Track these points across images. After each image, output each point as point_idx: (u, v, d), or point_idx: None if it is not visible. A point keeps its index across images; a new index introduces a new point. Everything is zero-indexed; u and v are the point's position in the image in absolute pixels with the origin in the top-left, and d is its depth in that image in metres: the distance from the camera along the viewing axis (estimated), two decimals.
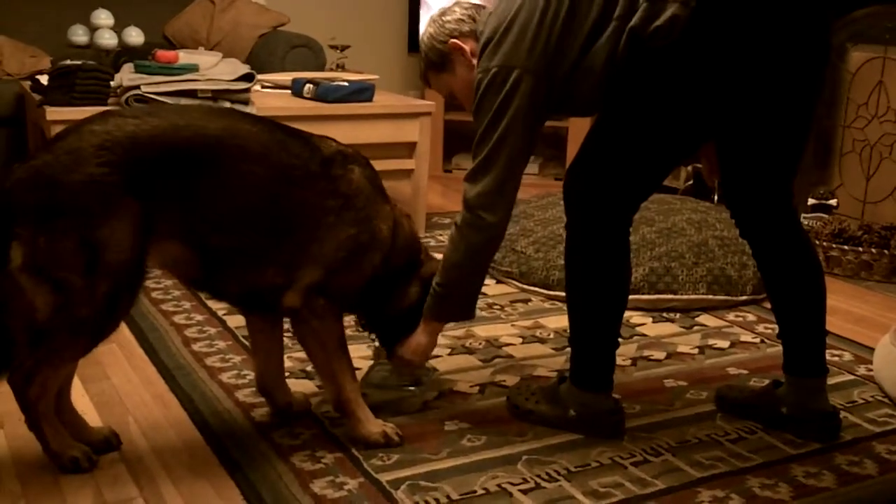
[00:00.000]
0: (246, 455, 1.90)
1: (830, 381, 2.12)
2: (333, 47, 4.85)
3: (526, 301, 2.97)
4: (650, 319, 2.81)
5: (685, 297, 2.88)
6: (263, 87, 3.83)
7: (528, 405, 2.09)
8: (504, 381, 2.32)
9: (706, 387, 2.30)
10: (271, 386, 2.07)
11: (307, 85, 3.60)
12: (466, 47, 2.01)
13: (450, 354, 2.48)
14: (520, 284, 3.08)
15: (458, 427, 2.06)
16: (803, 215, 3.63)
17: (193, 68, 3.26)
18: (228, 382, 2.25)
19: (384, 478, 1.82)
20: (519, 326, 2.73)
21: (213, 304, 2.76)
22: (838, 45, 3.80)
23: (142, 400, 2.16)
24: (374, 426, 1.95)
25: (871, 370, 2.43)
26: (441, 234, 3.75)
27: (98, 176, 1.65)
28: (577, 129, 4.65)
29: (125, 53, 3.79)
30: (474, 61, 1.99)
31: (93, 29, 4.23)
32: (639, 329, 2.72)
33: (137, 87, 3.10)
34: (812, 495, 1.82)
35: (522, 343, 2.60)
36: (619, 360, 2.04)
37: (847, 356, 2.55)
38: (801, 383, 2.06)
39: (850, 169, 3.88)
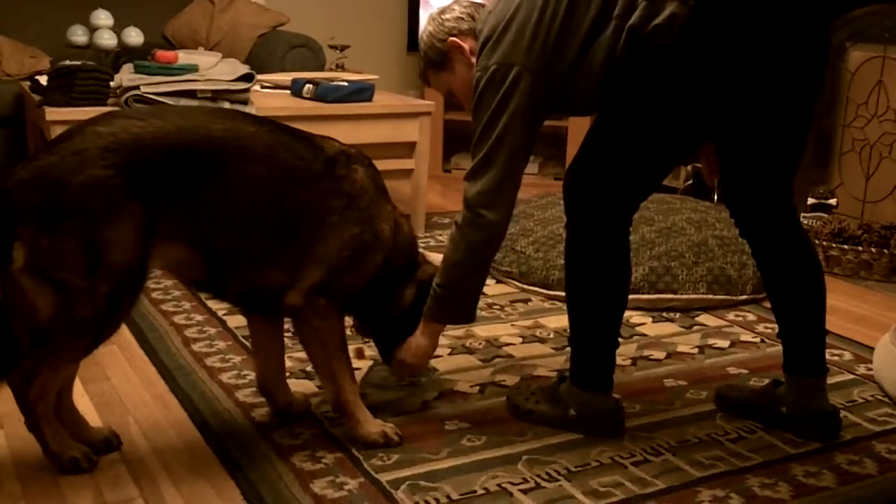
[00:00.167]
0: (246, 455, 1.90)
1: (830, 380, 2.12)
2: (333, 47, 4.85)
3: (526, 301, 2.97)
4: (650, 319, 2.81)
5: (685, 296, 2.88)
6: (263, 87, 3.83)
7: (528, 405, 2.09)
8: (504, 380, 2.32)
9: (706, 386, 2.31)
10: (272, 386, 2.07)
11: (307, 85, 3.60)
12: (465, 46, 2.01)
13: (450, 354, 2.48)
14: (520, 284, 3.08)
15: (458, 427, 2.06)
16: (803, 215, 3.63)
17: (193, 68, 3.26)
18: (228, 383, 2.25)
19: (384, 478, 1.82)
20: (519, 326, 2.73)
21: (213, 305, 2.76)
22: (838, 44, 3.80)
23: (142, 400, 2.16)
24: (374, 426, 1.95)
25: (870, 369, 2.43)
26: (441, 234, 3.75)
27: (103, 178, 1.65)
28: (577, 128, 4.65)
29: (125, 54, 3.79)
30: (473, 60, 1.99)
31: (92, 29, 4.23)
32: (639, 329, 2.72)
33: (137, 87, 3.10)
34: (812, 494, 1.82)
35: (522, 343, 2.60)
36: (618, 360, 2.04)
37: (847, 355, 2.56)
38: (800, 382, 2.06)
39: (850, 168, 3.89)
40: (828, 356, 2.07)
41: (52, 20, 4.35)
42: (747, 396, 2.16)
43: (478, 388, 2.27)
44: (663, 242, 3.01)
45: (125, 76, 3.18)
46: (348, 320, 2.02)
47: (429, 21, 2.07)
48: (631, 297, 2.06)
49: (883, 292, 3.20)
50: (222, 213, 1.76)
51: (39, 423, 1.76)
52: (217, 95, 3.20)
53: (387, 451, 1.92)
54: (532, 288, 3.03)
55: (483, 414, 2.13)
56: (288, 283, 1.86)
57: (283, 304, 1.89)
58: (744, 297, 2.95)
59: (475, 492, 1.79)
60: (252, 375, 2.20)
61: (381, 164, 2.07)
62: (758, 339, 2.67)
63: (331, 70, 4.70)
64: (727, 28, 1.75)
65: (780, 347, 2.09)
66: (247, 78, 3.29)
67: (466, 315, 2.03)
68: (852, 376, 2.41)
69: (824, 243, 3.38)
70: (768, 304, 2.16)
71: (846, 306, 3.01)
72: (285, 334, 2.08)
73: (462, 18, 2.02)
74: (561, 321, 2.73)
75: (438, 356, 2.41)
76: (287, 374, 2.13)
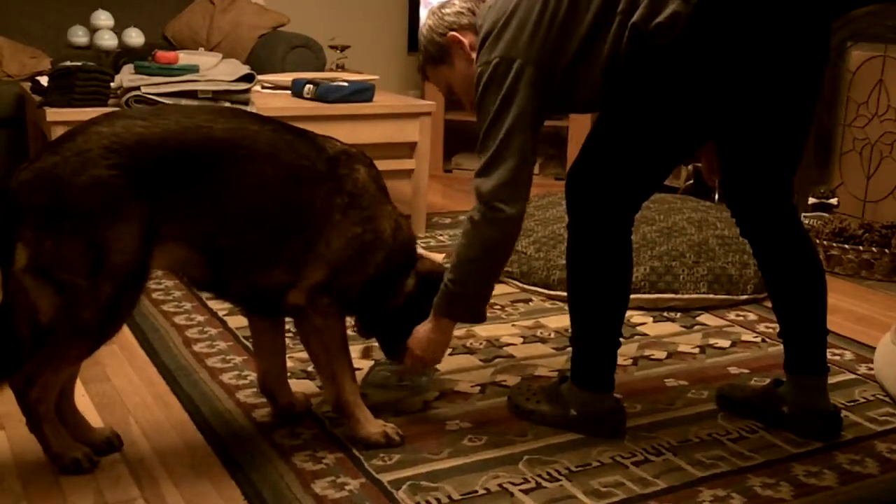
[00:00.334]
0: (247, 455, 1.90)
1: (831, 380, 2.12)
2: (333, 47, 4.85)
3: (527, 301, 2.97)
4: (651, 319, 2.81)
5: (686, 296, 2.88)
6: (263, 87, 3.83)
7: (529, 405, 2.09)
8: (505, 380, 2.32)
9: (707, 386, 2.30)
10: (273, 386, 2.07)
11: (307, 85, 3.60)
12: (465, 40, 2.00)
13: (450, 354, 2.47)
14: (520, 284, 3.08)
15: (459, 427, 2.06)
16: (804, 214, 3.63)
17: (193, 69, 3.26)
18: (229, 383, 2.25)
19: (385, 478, 1.82)
20: (520, 326, 2.73)
21: (214, 305, 2.76)
22: (838, 43, 3.80)
23: (143, 401, 2.16)
24: (374, 426, 1.95)
25: (871, 369, 2.43)
26: (441, 235, 3.75)
27: (106, 178, 1.65)
28: (577, 128, 4.65)
29: (125, 54, 3.79)
30: (473, 55, 1.99)
31: (93, 30, 4.23)
32: (640, 328, 2.72)
33: (137, 88, 3.10)
34: (813, 494, 1.82)
35: (523, 343, 2.60)
36: (619, 360, 2.04)
37: (848, 355, 2.55)
38: (802, 382, 2.06)
39: (851, 168, 3.89)
40: (829, 356, 2.07)
41: (53, 21, 4.35)
42: (748, 396, 2.16)
43: (479, 388, 2.27)
44: (664, 242, 3.01)
45: (126, 77, 3.18)
46: (349, 321, 2.02)
47: (429, 15, 2.07)
48: (632, 296, 2.05)
49: (884, 292, 3.20)
50: (225, 213, 1.76)
51: (41, 424, 1.76)
52: (218, 96, 3.20)
53: (388, 452, 1.92)
54: (533, 288, 3.03)
55: (484, 414, 2.13)
56: (290, 283, 1.86)
57: (285, 303, 1.89)
58: (745, 296, 2.95)
59: (476, 492, 1.79)
60: (253, 376, 2.20)
61: (381, 165, 2.07)
62: (759, 339, 2.66)
63: (331, 70, 4.70)
64: (729, 27, 1.75)
65: (781, 347, 2.09)
66: (247, 78, 3.29)
67: (476, 314, 2.01)
68: (853, 376, 2.41)
69: (825, 243, 3.38)
70: (769, 304, 2.16)
71: (847, 306, 3.01)
72: (286, 335, 2.08)
73: (462, 13, 2.02)
74: (562, 321, 2.73)
75: None
76: (288, 374, 2.13)
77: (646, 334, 2.68)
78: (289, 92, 3.72)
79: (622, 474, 1.87)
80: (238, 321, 2.53)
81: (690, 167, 4.13)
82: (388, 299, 2.02)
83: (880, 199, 3.77)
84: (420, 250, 2.13)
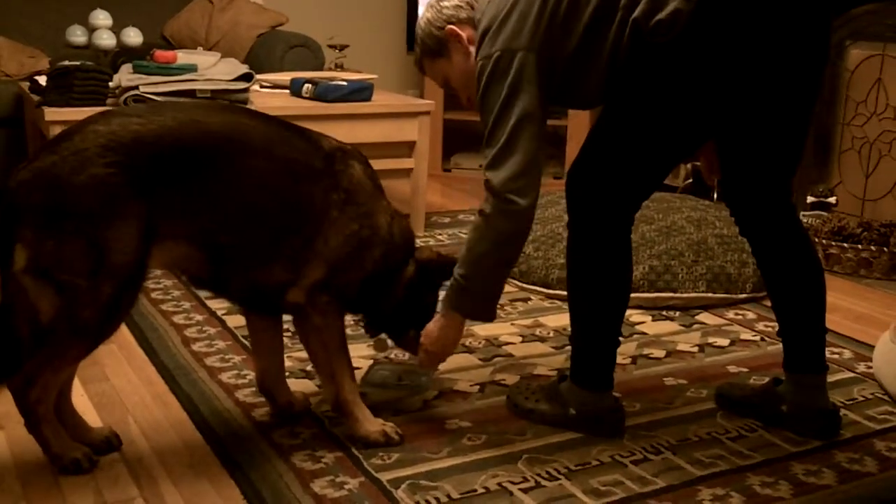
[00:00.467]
0: (246, 455, 1.90)
1: (830, 378, 2.12)
2: (332, 47, 4.85)
3: (526, 300, 2.97)
4: (650, 318, 2.81)
5: (685, 295, 2.88)
6: (262, 86, 3.83)
7: (528, 404, 2.09)
8: (504, 379, 2.32)
9: (706, 385, 2.31)
10: (272, 385, 2.07)
11: (306, 84, 3.60)
12: (464, 34, 2.00)
13: None
14: (519, 283, 3.07)
15: (458, 426, 2.06)
16: (803, 213, 3.63)
17: (192, 68, 3.25)
18: (228, 382, 2.25)
19: (384, 477, 1.82)
20: (519, 325, 2.73)
21: (213, 304, 2.76)
22: (837, 42, 3.80)
23: (142, 400, 2.16)
24: (373, 425, 1.95)
25: (870, 367, 2.43)
26: (440, 234, 3.75)
27: (104, 177, 1.65)
28: (576, 127, 4.65)
29: (124, 54, 3.78)
30: (471, 49, 1.99)
31: (91, 29, 4.23)
32: (639, 327, 2.72)
33: (136, 87, 3.10)
34: (812, 493, 1.82)
35: (522, 342, 2.60)
36: (618, 359, 2.04)
37: (847, 354, 2.56)
38: (801, 381, 2.06)
39: (850, 166, 3.89)
40: (828, 354, 2.07)
41: (51, 20, 4.34)
42: (747, 395, 2.16)
43: (478, 387, 2.27)
44: (663, 241, 3.01)
45: (124, 76, 3.18)
46: (350, 319, 2.02)
47: (427, 8, 2.06)
48: (631, 295, 2.05)
49: (883, 290, 3.20)
50: (223, 209, 1.76)
51: (40, 424, 1.76)
52: (216, 95, 3.20)
53: (387, 451, 1.92)
54: (532, 287, 3.03)
55: (483, 413, 2.13)
56: (289, 281, 1.86)
57: (284, 301, 1.89)
58: (744, 295, 2.95)
59: (475, 491, 1.78)
60: (252, 375, 2.20)
61: (380, 164, 2.07)
62: (758, 338, 2.67)
63: (330, 69, 4.70)
64: (731, 26, 1.75)
65: (780, 346, 2.09)
66: (246, 77, 3.29)
67: (487, 310, 1.99)
68: (852, 374, 2.41)
69: (824, 241, 3.38)
70: (768, 303, 2.17)
71: (846, 304, 3.01)
72: (285, 334, 2.08)
73: (461, 7, 2.02)
74: (561, 320, 2.73)
75: None
76: (287, 373, 2.13)
77: (645, 333, 2.68)
78: (287, 91, 3.72)
79: (621, 473, 1.87)
80: (237, 320, 2.53)
81: (689, 166, 4.13)
82: (388, 295, 2.01)
83: (879, 197, 3.77)
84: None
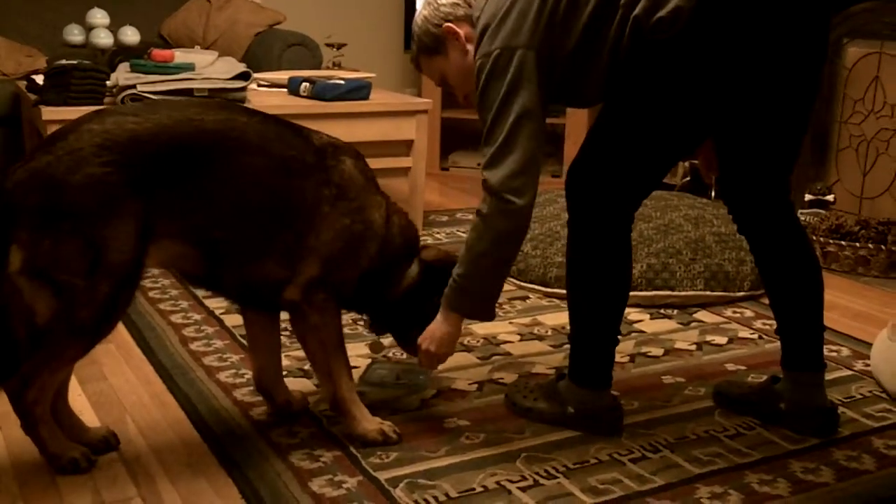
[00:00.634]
0: (244, 454, 1.90)
1: (828, 376, 2.12)
2: (330, 45, 4.85)
3: (524, 298, 2.97)
4: (648, 316, 2.81)
5: (683, 293, 2.88)
6: (260, 85, 3.82)
7: (526, 402, 2.09)
8: (502, 378, 2.32)
9: (704, 383, 2.31)
10: (269, 384, 2.06)
11: (304, 83, 3.60)
12: (461, 32, 2.00)
13: None
14: (517, 282, 3.07)
15: (456, 425, 2.06)
16: (800, 211, 3.63)
17: (190, 67, 3.25)
18: (226, 381, 2.25)
19: (383, 476, 1.82)
20: (517, 324, 2.73)
21: (211, 303, 2.76)
22: (834, 40, 3.80)
23: (139, 399, 2.16)
24: (371, 424, 1.95)
25: (868, 365, 2.43)
26: (438, 232, 3.75)
27: (101, 176, 1.65)
28: (574, 126, 4.65)
29: (121, 53, 3.78)
30: (469, 47, 1.99)
31: (88, 28, 4.22)
32: (636, 325, 2.72)
33: (133, 86, 3.09)
34: (810, 490, 1.82)
35: (520, 340, 2.60)
36: (617, 357, 2.03)
37: (845, 351, 2.56)
38: (799, 379, 2.06)
39: (847, 164, 3.89)
40: (826, 352, 2.07)
41: (49, 19, 4.34)
42: (745, 393, 2.16)
43: (476, 385, 2.27)
44: (661, 239, 3.01)
45: (121, 75, 3.17)
46: (349, 318, 2.01)
47: (424, 6, 2.06)
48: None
49: (880, 288, 3.20)
50: (218, 205, 1.76)
51: (37, 426, 1.75)
52: (214, 94, 3.20)
53: (385, 449, 1.92)
54: (530, 285, 3.03)
55: (482, 412, 2.13)
56: (284, 278, 1.86)
57: (281, 299, 1.88)
58: (741, 293, 2.95)
59: (474, 489, 1.78)
60: (250, 374, 2.20)
61: (378, 162, 2.07)
62: (756, 336, 2.67)
63: (327, 68, 4.69)
64: (731, 23, 1.75)
65: (778, 344, 2.09)
66: (243, 76, 3.29)
67: (486, 310, 1.99)
68: (850, 372, 2.41)
69: (822, 239, 3.38)
70: (766, 301, 2.17)
71: (844, 302, 3.01)
72: (283, 332, 2.08)
73: (458, 4, 2.01)
74: (559, 318, 2.73)
75: None
76: (285, 372, 2.13)
77: (643, 331, 2.68)
78: (285, 90, 3.72)
79: (620, 471, 1.87)
80: (235, 319, 2.53)
81: (687, 164, 4.13)
82: (387, 291, 2.01)
83: (876, 195, 3.77)
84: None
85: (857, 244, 3.34)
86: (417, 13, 2.07)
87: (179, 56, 3.34)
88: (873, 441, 2.03)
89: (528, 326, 2.71)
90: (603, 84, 1.86)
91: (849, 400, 2.23)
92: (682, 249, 2.97)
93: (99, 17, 4.24)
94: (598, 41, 1.81)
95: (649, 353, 2.51)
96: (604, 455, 1.93)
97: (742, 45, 1.77)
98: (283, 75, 3.82)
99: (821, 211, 3.71)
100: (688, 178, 4.15)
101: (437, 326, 2.00)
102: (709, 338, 2.64)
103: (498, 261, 1.95)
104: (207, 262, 1.81)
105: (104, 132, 1.67)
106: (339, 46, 4.88)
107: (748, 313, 2.86)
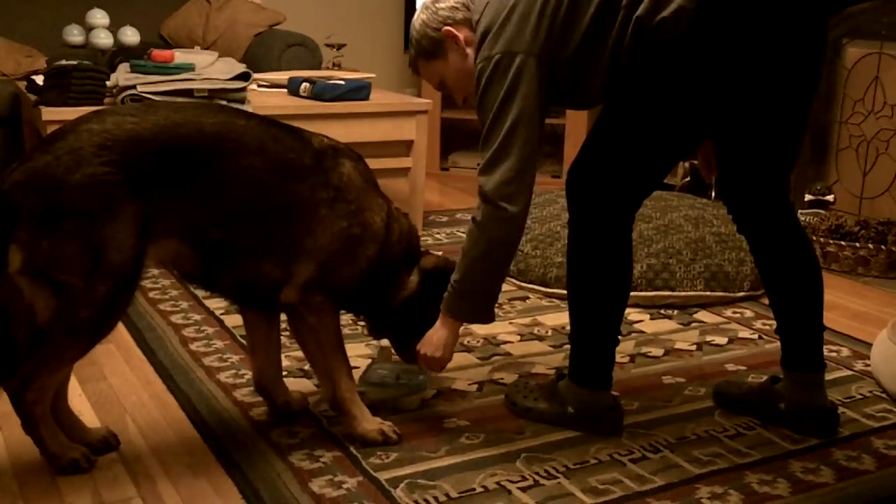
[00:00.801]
0: (244, 454, 1.90)
1: (828, 376, 2.12)
2: (329, 46, 4.85)
3: (524, 299, 2.97)
4: (648, 316, 2.81)
5: (683, 293, 2.88)
6: (260, 85, 3.83)
7: (526, 403, 2.09)
8: (502, 378, 2.32)
9: (704, 383, 2.31)
10: (269, 385, 2.07)
11: (303, 83, 3.60)
12: (460, 35, 1.99)
13: None
14: (517, 282, 3.07)
15: (456, 425, 2.06)
16: (800, 211, 3.64)
17: (189, 67, 3.25)
18: (226, 381, 2.25)
19: (383, 476, 1.82)
20: (517, 324, 2.73)
21: (211, 303, 2.76)
22: (834, 40, 3.80)
23: (140, 400, 2.16)
24: (371, 424, 1.95)
25: (868, 365, 2.43)
26: (439, 233, 3.75)
27: (100, 176, 1.65)
28: (574, 126, 4.64)
29: (121, 53, 3.78)
30: (468, 50, 1.98)
31: (88, 29, 4.23)
32: (637, 326, 2.72)
33: (133, 86, 3.09)
34: (810, 491, 1.82)
35: (520, 340, 2.60)
36: (617, 357, 2.04)
37: (845, 351, 2.56)
38: (799, 379, 2.06)
39: (847, 165, 3.89)
40: (826, 352, 2.07)
41: (48, 19, 4.34)
42: (745, 393, 2.16)
43: (476, 386, 2.27)
44: (661, 239, 3.01)
45: (121, 75, 3.17)
46: (348, 319, 2.01)
47: (422, 9, 2.05)
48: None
49: (880, 288, 3.20)
50: (216, 206, 1.76)
51: (38, 426, 1.75)
52: (214, 94, 3.20)
53: (385, 450, 1.92)
54: (530, 286, 3.03)
55: (482, 412, 2.13)
56: (282, 279, 1.86)
57: (278, 301, 1.88)
58: (741, 293, 2.95)
59: (474, 490, 1.78)
60: (250, 374, 2.20)
61: (378, 163, 2.07)
62: (756, 336, 2.67)
63: (327, 69, 4.70)
64: (733, 24, 1.75)
65: (778, 344, 2.09)
66: (243, 77, 3.29)
67: (484, 314, 1.99)
68: (850, 372, 2.41)
69: (822, 239, 3.38)
70: (766, 301, 2.17)
71: (844, 303, 3.01)
72: (282, 333, 2.08)
73: (457, 7, 2.01)
74: (559, 319, 2.73)
75: None
76: (285, 372, 2.13)
77: (643, 331, 2.68)
78: (285, 90, 3.72)
79: (620, 471, 1.87)
80: (235, 319, 2.53)
81: (687, 164, 4.13)
82: (388, 294, 2.01)
83: (876, 195, 3.77)
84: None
85: (857, 244, 3.34)
86: (415, 17, 2.06)
87: (179, 56, 3.34)
88: (873, 441, 2.03)
89: (528, 327, 2.71)
90: (604, 85, 1.86)
91: (849, 400, 2.23)
92: (682, 250, 2.97)
93: (99, 17, 4.24)
94: (599, 43, 1.81)
95: (649, 354, 2.51)
96: (604, 455, 1.93)
97: (743, 45, 1.77)
98: (282, 76, 3.82)
99: (821, 211, 3.71)
100: (688, 179, 4.15)
101: (436, 332, 2.00)
102: (709, 338, 2.64)
103: (493, 266, 1.95)
104: (205, 262, 1.81)
105: (104, 132, 1.67)
106: (339, 47, 4.89)
107: (748, 313, 2.86)
